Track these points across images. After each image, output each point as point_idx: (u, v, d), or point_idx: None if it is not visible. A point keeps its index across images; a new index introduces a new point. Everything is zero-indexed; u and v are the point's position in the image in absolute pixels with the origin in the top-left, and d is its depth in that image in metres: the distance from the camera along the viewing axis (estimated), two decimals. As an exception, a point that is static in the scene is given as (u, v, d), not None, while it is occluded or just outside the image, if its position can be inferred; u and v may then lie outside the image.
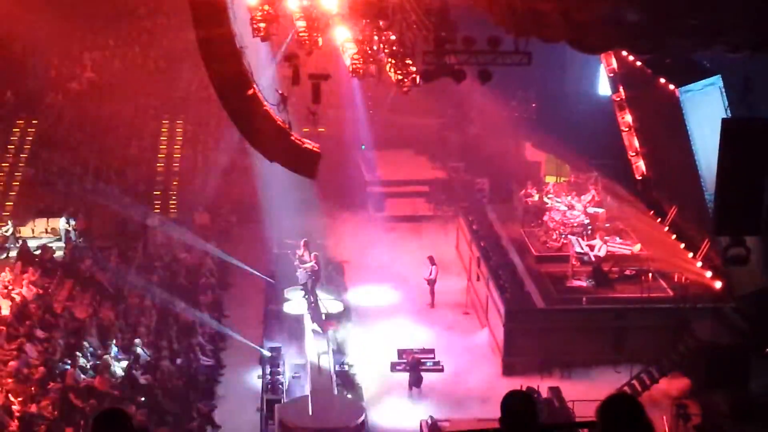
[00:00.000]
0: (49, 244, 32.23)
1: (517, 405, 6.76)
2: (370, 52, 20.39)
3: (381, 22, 19.44)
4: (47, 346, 25.85)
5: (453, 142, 38.00)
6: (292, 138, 19.02)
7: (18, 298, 27.80)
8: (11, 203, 34.86)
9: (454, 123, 38.43)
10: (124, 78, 35.45)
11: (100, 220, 33.46)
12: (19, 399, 23.56)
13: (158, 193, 35.64)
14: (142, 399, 23.69)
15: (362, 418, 22.97)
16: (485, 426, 7.21)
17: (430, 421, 22.79)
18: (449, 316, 29.57)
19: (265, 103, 18.55)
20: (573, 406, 22.87)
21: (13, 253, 31.71)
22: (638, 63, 28.65)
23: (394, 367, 25.70)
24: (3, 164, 36.08)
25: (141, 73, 36.08)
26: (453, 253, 32.76)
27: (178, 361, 25.87)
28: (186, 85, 36.34)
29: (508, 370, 26.32)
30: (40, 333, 26.45)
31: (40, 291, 28.67)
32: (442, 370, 25.74)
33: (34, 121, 37.22)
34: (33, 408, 23.05)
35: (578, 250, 28.07)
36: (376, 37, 20.06)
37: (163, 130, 37.55)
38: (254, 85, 18.19)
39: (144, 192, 35.21)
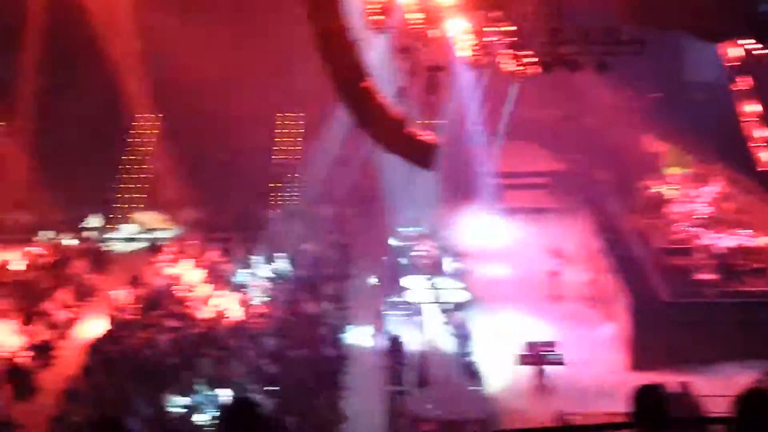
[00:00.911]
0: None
1: (648, 399, 6.70)
2: (486, 43, 20.41)
3: (497, 13, 19.44)
4: (177, 336, 26.73)
5: (572, 134, 37.65)
6: (409, 130, 19.17)
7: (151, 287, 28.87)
8: (139, 196, 35.94)
9: (572, 114, 38.08)
10: (244, 73, 36.16)
11: (223, 211, 34.22)
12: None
13: (279, 185, 36.30)
14: (269, 388, 24.14)
15: (487, 409, 22.98)
16: (614, 420, 7.12)
17: (557, 415, 22.61)
18: (572, 309, 29.31)
19: (381, 95, 18.73)
20: (703, 400, 22.43)
21: (142, 244, 32.91)
22: (765, 51, 27.90)
23: (518, 359, 25.62)
24: (131, 158, 37.18)
25: (261, 68, 36.71)
26: (574, 246, 32.49)
27: (303, 351, 26.30)
28: (305, 79, 36.79)
29: (635, 363, 25.92)
30: (171, 322, 27.34)
31: (172, 281, 29.67)
32: (565, 364, 25.56)
33: (159, 115, 38.31)
34: (163, 397, 23.78)
35: (704, 242, 27.54)
36: (492, 29, 20.07)
37: (283, 123, 38.22)
38: (370, 78, 18.38)
39: (265, 184, 35.89)
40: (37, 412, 24.15)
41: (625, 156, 34.70)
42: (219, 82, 36.15)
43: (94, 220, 34.42)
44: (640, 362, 25.78)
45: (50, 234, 33.58)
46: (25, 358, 26.11)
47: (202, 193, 34.72)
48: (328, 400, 24.48)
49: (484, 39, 20.30)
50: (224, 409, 7.18)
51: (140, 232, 34.34)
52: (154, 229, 34.11)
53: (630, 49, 17.82)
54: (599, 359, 26.25)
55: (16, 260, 31.65)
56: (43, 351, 26.67)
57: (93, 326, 27.97)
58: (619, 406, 6.68)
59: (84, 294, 29.80)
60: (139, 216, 34.97)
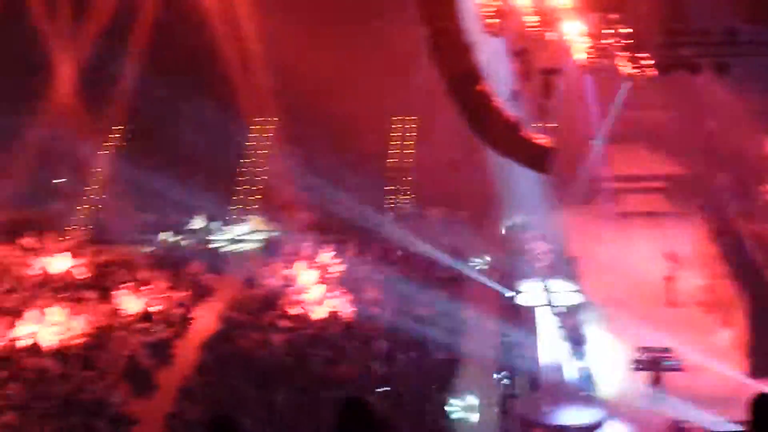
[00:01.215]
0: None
1: (765, 407, 6.54)
2: (602, 45, 20.20)
3: (614, 15, 19.22)
4: (291, 336, 27.10)
5: (689, 137, 36.93)
6: (523, 133, 19.09)
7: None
8: (254, 198, 36.50)
9: (690, 117, 37.34)
10: (357, 76, 36.41)
11: (336, 214, 34.50)
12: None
13: (392, 187, 36.46)
14: (382, 389, 24.27)
15: (600, 415, 22.74)
16: (732, 429, 6.98)
17: (673, 423, 22.26)
18: (689, 315, 28.74)
19: (496, 98, 18.70)
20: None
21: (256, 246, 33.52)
22: None
23: (633, 364, 25.21)
24: (245, 161, 37.78)
25: (374, 71, 36.92)
26: (691, 250, 31.86)
27: (414, 354, 26.38)
28: (419, 82, 36.82)
29: (753, 370, 25.24)
30: (284, 323, 27.72)
31: (286, 282, 30.11)
32: (682, 370, 25.05)
33: (273, 119, 38.85)
34: (277, 397, 24.13)
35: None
36: (609, 31, 19.86)
37: (397, 126, 38.37)
38: (484, 81, 18.36)
39: (378, 187, 36.08)
40: (153, 409, 24.79)
41: (745, 159, 33.90)
42: (334, 85, 36.41)
43: (198, 221, 35.06)
44: (758, 369, 25.13)
45: (169, 235, 34.38)
46: (144, 356, 26.81)
47: (315, 195, 35.10)
48: (439, 402, 24.52)
49: (601, 41, 20.10)
50: (338, 409, 7.25)
51: (253, 234, 34.86)
52: (266, 231, 34.61)
53: (750, 49, 17.43)
54: (716, 366, 25.71)
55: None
56: (161, 349, 27.32)
57: (208, 326, 28.50)
58: (736, 414, 6.51)
59: (200, 294, 30.40)
60: (252, 218, 35.52)
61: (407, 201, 36.14)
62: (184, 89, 36.67)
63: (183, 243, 34.13)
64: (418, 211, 35.03)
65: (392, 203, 35.98)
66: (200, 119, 37.59)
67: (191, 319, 29.01)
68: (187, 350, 27.49)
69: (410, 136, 38.23)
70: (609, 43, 20.04)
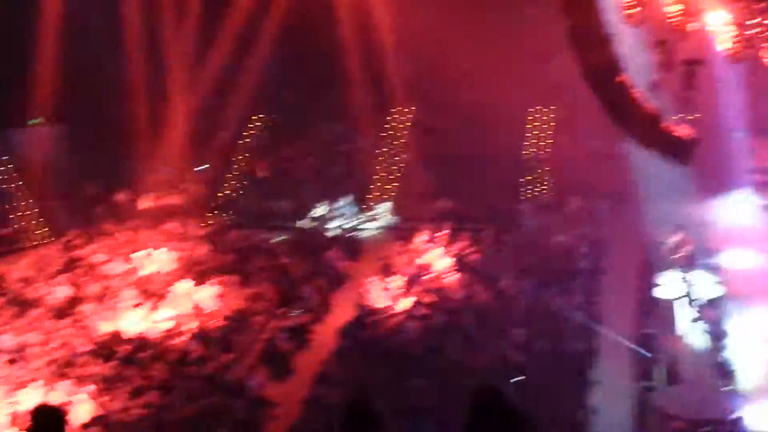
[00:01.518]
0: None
1: None
2: (747, 35, 19.69)
3: (760, 5, 18.73)
4: (426, 324, 27.31)
5: None
6: (664, 125, 18.81)
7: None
8: (391, 187, 36.78)
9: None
10: (497, 66, 36.24)
11: (473, 203, 34.53)
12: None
13: (530, 177, 36.26)
14: (517, 379, 24.25)
15: (740, 411, 22.30)
16: None
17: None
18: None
19: (636, 89, 18.46)
20: None
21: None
22: None
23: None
24: (383, 150, 38.09)
25: (519, 59, 36.68)
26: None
27: (551, 344, 26.26)
28: (558, 72, 36.48)
29: None
30: (420, 310, 27.94)
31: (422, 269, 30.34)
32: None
33: (411, 108, 39.03)
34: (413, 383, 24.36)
35: None
36: (753, 21, 19.36)
37: (535, 116, 38.07)
38: (624, 72, 18.15)
39: (516, 176, 35.95)
40: (291, 393, 25.36)
41: None
42: (473, 74, 36.37)
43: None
44: None
45: (306, 222, 34.97)
46: (282, 340, 27.40)
47: (452, 184, 35.19)
48: (575, 394, 24.37)
49: (746, 32, 19.60)
50: (471, 397, 7.31)
51: (388, 221, 35.21)
52: (401, 219, 34.92)
53: None
54: None
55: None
56: (299, 334, 27.88)
57: (345, 312, 28.92)
58: None
59: (337, 280, 30.87)
60: (387, 205, 35.82)
61: (545, 191, 35.87)
62: (323, 77, 37.16)
63: (320, 229, 34.62)
64: (556, 200, 34.75)
65: (530, 193, 35.76)
66: (338, 108, 38.04)
67: (329, 304, 29.50)
68: (325, 335, 27.99)
69: (549, 125, 37.89)
70: (754, 33, 19.53)
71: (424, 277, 29.81)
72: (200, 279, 30.23)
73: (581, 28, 18.05)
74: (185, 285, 29.81)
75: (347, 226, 34.95)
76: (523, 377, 24.05)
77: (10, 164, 37.14)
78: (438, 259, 30.79)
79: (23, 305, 29.41)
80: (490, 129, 36.19)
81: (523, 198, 35.38)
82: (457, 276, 29.80)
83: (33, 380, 24.80)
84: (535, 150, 37.39)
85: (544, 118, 37.96)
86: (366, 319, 28.01)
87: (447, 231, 32.33)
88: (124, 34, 36.88)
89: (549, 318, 27.23)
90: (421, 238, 32.22)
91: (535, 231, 32.69)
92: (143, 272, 30.91)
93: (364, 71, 37.37)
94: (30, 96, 36.47)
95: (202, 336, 27.13)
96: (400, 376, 24.88)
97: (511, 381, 23.67)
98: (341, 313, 28.92)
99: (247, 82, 37.80)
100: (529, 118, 38.09)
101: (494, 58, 36.05)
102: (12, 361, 25.95)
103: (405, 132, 38.65)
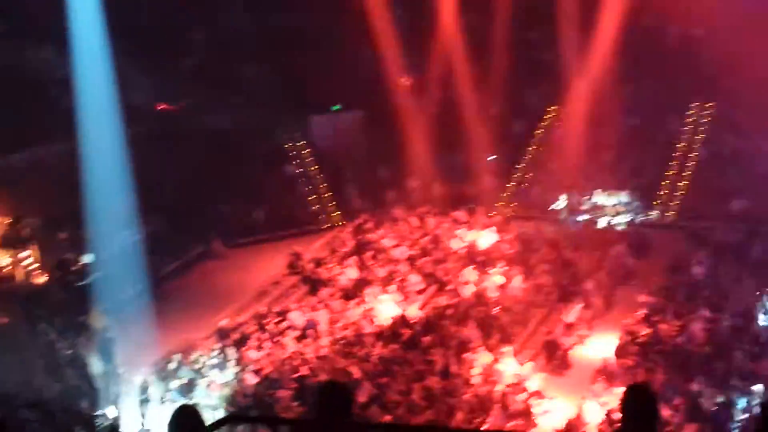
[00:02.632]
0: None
1: None
2: None
3: None
4: (713, 327, 26.35)
5: None
6: None
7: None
8: (682, 184, 35.69)
9: None
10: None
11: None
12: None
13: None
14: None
15: None
16: None
17: None
18: None
19: None
20: None
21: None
22: None
23: None
24: (679, 146, 36.96)
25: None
26: None
27: None
28: None
29: None
30: (707, 313, 27.00)
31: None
32: None
33: (709, 104, 37.65)
34: (694, 386, 23.61)
35: None
36: None
37: None
38: None
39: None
40: (568, 388, 25.25)
41: None
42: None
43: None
44: None
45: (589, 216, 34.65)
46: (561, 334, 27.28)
47: (751, 184, 33.67)
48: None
49: None
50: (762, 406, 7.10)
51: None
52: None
53: None
54: None
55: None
56: (578, 329, 27.66)
57: (627, 309, 28.38)
58: None
59: (621, 277, 30.32)
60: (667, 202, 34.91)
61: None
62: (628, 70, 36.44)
63: (610, 224, 34.12)
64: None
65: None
66: (639, 101, 37.27)
67: (611, 301, 29.09)
68: (605, 332, 27.63)
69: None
70: None
71: (708, 280, 28.75)
72: (483, 268, 30.50)
73: None
74: (469, 273, 30.16)
75: (628, 221, 34.28)
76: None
77: (309, 148, 38.98)
78: (727, 261, 29.60)
79: (315, 284, 30.79)
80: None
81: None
82: (750, 281, 28.50)
83: (317, 357, 25.84)
84: None
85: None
86: (650, 316, 27.30)
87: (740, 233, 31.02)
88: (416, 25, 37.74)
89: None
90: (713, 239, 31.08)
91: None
92: (429, 258, 31.52)
93: (665, 65, 36.40)
94: (330, 83, 37.99)
95: (481, 325, 27.31)
96: (682, 377, 24.18)
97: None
98: (623, 310, 28.37)
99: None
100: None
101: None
102: (300, 338, 27.17)
103: (703, 128, 37.32)
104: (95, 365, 26.18)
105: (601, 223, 34.29)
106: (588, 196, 35.18)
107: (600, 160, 36.32)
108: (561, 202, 35.56)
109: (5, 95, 32.21)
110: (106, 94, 30.65)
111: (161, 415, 23.73)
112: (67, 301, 28.62)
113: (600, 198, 35.09)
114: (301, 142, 39.28)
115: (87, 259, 30.16)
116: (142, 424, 23.69)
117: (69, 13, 30.08)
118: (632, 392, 7.40)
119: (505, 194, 36.79)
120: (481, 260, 31.07)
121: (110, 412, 24.02)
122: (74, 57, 30.37)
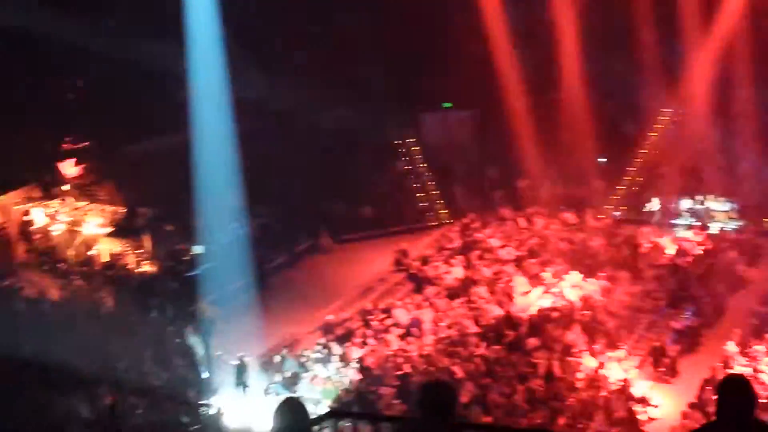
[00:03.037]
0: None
1: None
2: None
3: None
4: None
5: None
6: None
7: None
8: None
9: None
10: None
11: None
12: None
13: None
14: None
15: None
16: None
17: None
18: None
19: None
20: None
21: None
22: None
23: None
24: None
25: None
26: None
27: None
28: None
29: None
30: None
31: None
32: None
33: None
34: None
35: None
36: None
37: None
38: None
39: None
40: (674, 395, 24.77)
41: None
42: None
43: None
44: None
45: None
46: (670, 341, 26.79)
47: None
48: None
49: None
50: None
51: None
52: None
53: None
54: None
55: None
56: (687, 336, 27.12)
57: (739, 318, 27.74)
58: None
59: (734, 284, 29.66)
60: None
61: None
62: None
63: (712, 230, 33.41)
64: None
65: None
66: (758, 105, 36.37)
67: (723, 309, 28.46)
68: (714, 340, 27.05)
69: None
70: None
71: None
72: (590, 271, 30.12)
73: None
74: (575, 276, 29.84)
75: (740, 227, 33.53)
76: None
77: (418, 146, 39.01)
78: None
79: (421, 282, 30.80)
80: None
81: None
82: None
83: (420, 355, 25.83)
84: None
85: None
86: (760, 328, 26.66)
87: None
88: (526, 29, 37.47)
89: None
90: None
91: None
92: (535, 259, 31.26)
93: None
94: (441, 81, 37.94)
95: (586, 329, 26.98)
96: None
97: None
98: (733, 318, 27.73)
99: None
100: None
101: None
102: (404, 336, 27.20)
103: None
104: (202, 355, 26.67)
105: (713, 228, 33.41)
106: (697, 201, 34.39)
107: (714, 165, 35.49)
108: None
109: (123, 88, 33.12)
110: (220, 88, 31.16)
111: (264, 406, 23.99)
112: (177, 291, 29.21)
113: (712, 203, 34.27)
114: (411, 140, 39.32)
115: (197, 249, 30.70)
116: (246, 415, 23.98)
117: (185, 8, 30.71)
118: (729, 383, 7.36)
119: (614, 197, 36.21)
120: (588, 263, 30.65)
121: (215, 401, 24.36)
122: (190, 51, 30.97)
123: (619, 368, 25.34)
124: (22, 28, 29.95)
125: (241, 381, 25.40)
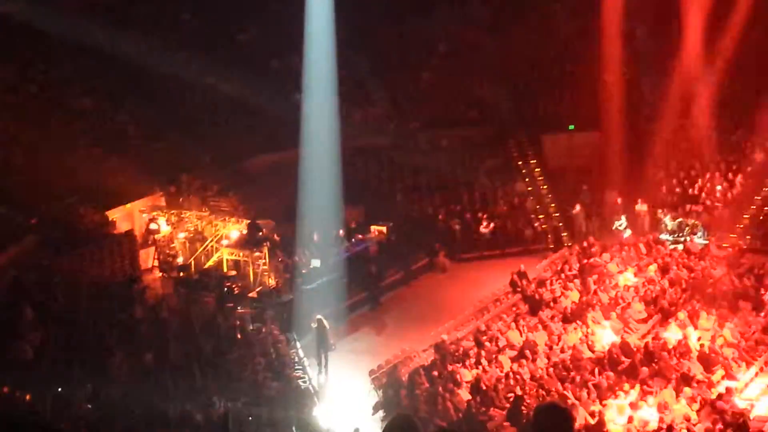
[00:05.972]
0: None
1: None
2: None
3: None
4: None
5: None
6: None
7: None
8: None
9: None
10: None
11: None
12: None
13: None
14: None
15: None
16: None
17: None
18: None
19: None
20: None
21: None
22: None
23: None
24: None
25: None
26: None
27: None
28: None
29: None
30: None
31: None
32: None
33: None
34: None
35: None
36: None
37: None
38: None
39: None
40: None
41: None
42: None
43: None
44: None
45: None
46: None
47: None
48: None
49: None
50: None
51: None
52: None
53: None
54: None
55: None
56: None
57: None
58: None
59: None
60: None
61: None
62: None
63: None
64: None
65: None
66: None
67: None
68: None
69: None
70: None
71: None
72: (710, 301, 29.45)
73: None
74: (693, 304, 29.21)
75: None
76: None
77: (540, 167, 38.83)
78: None
79: (536, 304, 30.55)
80: None
81: None
82: None
83: (531, 378, 25.58)
84: None
85: None
86: None
87: None
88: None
89: None
90: None
91: None
92: (654, 287, 30.71)
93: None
94: (565, 102, 37.79)
95: (703, 359, 26.36)
96: None
97: None
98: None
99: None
100: None
101: None
102: (516, 358, 26.99)
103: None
104: (313, 368, 27.00)
105: None
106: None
107: None
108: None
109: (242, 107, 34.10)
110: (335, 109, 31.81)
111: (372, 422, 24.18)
112: (294, 304, 29.66)
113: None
114: (533, 161, 39.16)
115: (314, 263, 31.10)
116: (356, 430, 24.15)
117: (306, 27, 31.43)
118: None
119: (740, 225, 35.34)
120: (709, 293, 29.96)
121: (325, 415, 24.59)
122: (307, 67, 31.66)
123: (738, 401, 24.68)
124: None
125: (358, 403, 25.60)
